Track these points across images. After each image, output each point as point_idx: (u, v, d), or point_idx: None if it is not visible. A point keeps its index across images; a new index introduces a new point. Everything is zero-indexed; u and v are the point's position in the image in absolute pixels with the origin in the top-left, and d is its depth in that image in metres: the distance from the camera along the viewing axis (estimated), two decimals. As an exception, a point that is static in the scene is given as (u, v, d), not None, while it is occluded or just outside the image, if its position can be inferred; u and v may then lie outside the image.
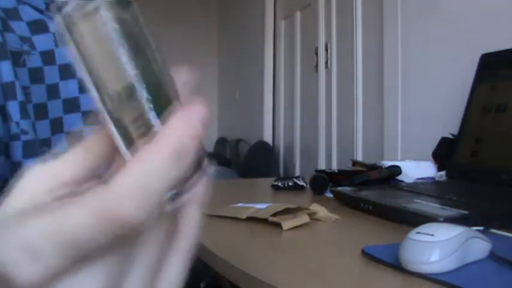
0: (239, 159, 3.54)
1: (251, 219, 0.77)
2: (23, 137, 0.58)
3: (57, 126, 0.64)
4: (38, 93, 0.61)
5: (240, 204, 0.87)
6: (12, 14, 0.62)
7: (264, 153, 2.99)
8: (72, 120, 0.65)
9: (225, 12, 4.47)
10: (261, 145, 3.11)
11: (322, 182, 1.07)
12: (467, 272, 0.50)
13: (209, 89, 4.72)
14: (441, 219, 0.66)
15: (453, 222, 0.56)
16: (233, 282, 0.56)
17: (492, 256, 0.54)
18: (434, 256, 0.49)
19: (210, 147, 4.35)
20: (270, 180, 1.21)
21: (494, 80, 1.03)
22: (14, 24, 0.61)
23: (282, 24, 3.09)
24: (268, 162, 2.86)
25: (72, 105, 0.66)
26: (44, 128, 0.61)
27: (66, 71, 0.65)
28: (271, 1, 3.18)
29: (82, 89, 0.67)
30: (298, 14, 2.83)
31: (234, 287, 0.56)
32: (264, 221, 0.75)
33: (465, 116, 1.07)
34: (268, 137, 3.21)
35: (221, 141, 4.21)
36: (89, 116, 0.65)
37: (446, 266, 0.49)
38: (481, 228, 0.63)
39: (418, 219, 0.63)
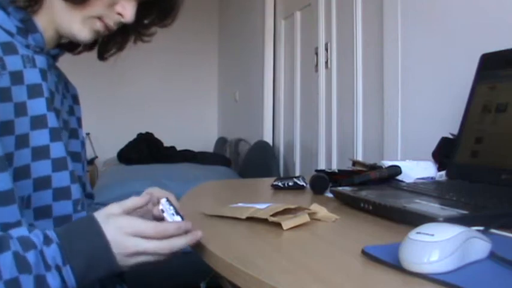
0: (239, 159, 3.54)
1: (251, 219, 0.77)
2: None
3: (22, 142, 0.66)
4: (6, 111, 0.64)
5: (240, 204, 0.87)
6: None
7: (264, 153, 2.98)
8: (38, 136, 0.68)
9: (225, 12, 4.47)
10: (261, 145, 3.11)
11: (322, 182, 1.07)
12: (467, 272, 0.50)
13: (209, 89, 4.72)
14: (441, 219, 0.66)
15: (453, 222, 0.56)
16: (233, 282, 0.56)
17: (492, 256, 0.54)
18: (434, 256, 0.49)
19: (210, 147, 4.35)
20: (270, 180, 1.21)
21: (494, 80, 1.03)
22: None
23: (282, 24, 3.09)
24: (268, 162, 2.86)
25: (38, 122, 0.69)
26: (8, 143, 0.64)
27: (34, 91, 0.69)
28: (271, 1, 3.18)
29: (49, 107, 0.70)
30: (298, 14, 2.83)
31: (234, 287, 0.56)
32: (264, 221, 0.75)
33: (465, 116, 1.07)
34: (268, 137, 3.21)
35: (221, 141, 4.20)
36: (55, 131, 0.71)
37: (446, 266, 0.49)
38: (481, 228, 0.63)
39: (418, 219, 0.63)
